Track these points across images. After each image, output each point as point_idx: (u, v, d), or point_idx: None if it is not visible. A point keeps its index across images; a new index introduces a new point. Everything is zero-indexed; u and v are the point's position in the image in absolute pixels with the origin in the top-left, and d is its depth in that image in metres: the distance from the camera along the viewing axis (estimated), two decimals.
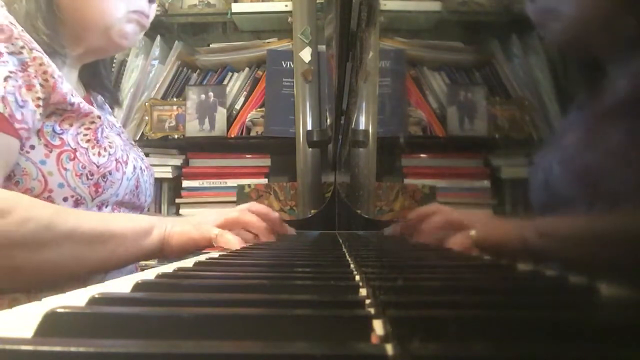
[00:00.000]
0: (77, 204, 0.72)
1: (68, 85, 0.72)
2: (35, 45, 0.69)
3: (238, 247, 0.67)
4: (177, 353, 0.16)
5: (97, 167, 0.73)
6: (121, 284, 0.36)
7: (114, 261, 0.68)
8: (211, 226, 0.73)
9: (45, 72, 0.68)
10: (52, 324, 0.20)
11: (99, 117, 0.75)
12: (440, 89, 1.74)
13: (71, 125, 0.72)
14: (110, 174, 0.75)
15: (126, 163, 0.79)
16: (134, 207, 0.85)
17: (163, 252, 0.73)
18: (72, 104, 0.72)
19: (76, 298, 0.30)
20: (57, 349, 0.16)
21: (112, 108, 1.00)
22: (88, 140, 0.74)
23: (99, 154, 0.74)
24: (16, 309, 0.27)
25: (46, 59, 0.69)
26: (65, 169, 0.71)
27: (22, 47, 0.67)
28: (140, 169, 0.85)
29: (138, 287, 0.30)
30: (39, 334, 0.20)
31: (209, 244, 0.72)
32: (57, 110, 0.71)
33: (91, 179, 0.73)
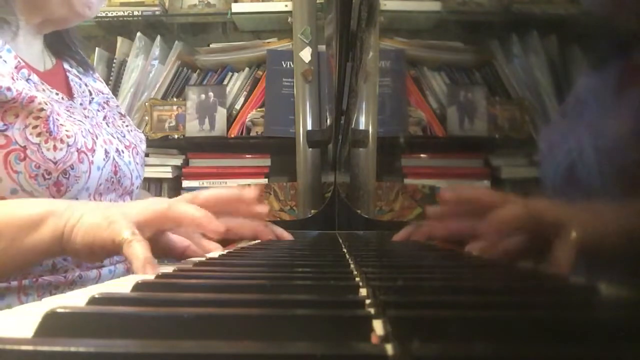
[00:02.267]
0: None
1: (4, 70, 0.64)
2: None
3: (142, 270, 0.44)
4: (177, 353, 0.16)
5: (55, 163, 0.63)
6: (121, 284, 0.36)
7: None
8: (127, 223, 0.50)
9: None
10: (52, 324, 0.20)
11: (46, 103, 0.64)
12: (440, 89, 1.74)
13: (17, 116, 0.62)
14: (72, 168, 0.64)
15: (92, 151, 0.68)
16: (119, 194, 0.76)
17: (65, 252, 0.53)
18: (8, 93, 0.61)
19: (76, 298, 0.30)
20: (57, 349, 0.16)
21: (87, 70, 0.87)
22: (39, 134, 0.62)
23: (55, 147, 0.63)
24: (16, 308, 0.27)
25: None
26: (17, 172, 0.61)
27: None
28: (117, 150, 0.75)
29: (138, 287, 0.30)
30: (39, 334, 0.20)
31: (118, 251, 0.50)
32: None
33: (49, 179, 0.63)
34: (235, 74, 1.85)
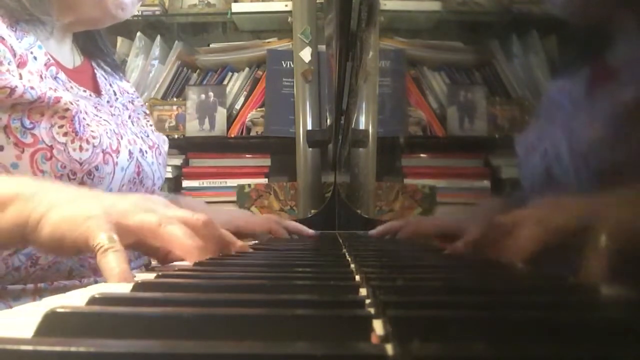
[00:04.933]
0: None
1: (33, 68, 0.63)
2: None
3: (117, 281, 0.38)
4: (177, 353, 0.16)
5: (80, 164, 0.63)
6: (121, 284, 0.36)
7: None
8: (106, 223, 0.43)
9: None
10: (52, 324, 0.20)
11: (72, 103, 0.64)
12: (440, 89, 1.74)
13: (42, 115, 0.61)
14: (97, 169, 0.64)
15: (117, 152, 0.68)
16: None
17: (27, 243, 0.48)
18: (33, 92, 0.60)
19: (76, 298, 0.30)
20: (57, 349, 0.16)
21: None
22: (65, 134, 0.62)
23: (81, 148, 0.63)
24: (16, 308, 0.27)
25: None
26: (42, 171, 0.60)
27: None
28: (141, 150, 0.75)
29: (138, 287, 0.30)
30: (39, 334, 0.20)
31: (89, 253, 0.42)
32: (21, 102, 0.60)
33: (74, 179, 0.62)
34: (235, 74, 1.85)
